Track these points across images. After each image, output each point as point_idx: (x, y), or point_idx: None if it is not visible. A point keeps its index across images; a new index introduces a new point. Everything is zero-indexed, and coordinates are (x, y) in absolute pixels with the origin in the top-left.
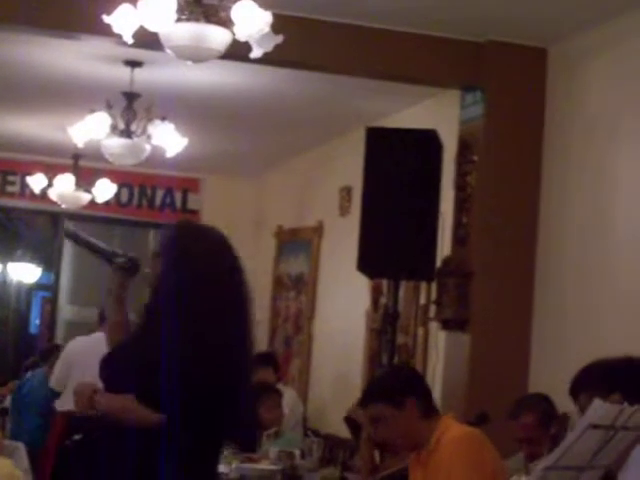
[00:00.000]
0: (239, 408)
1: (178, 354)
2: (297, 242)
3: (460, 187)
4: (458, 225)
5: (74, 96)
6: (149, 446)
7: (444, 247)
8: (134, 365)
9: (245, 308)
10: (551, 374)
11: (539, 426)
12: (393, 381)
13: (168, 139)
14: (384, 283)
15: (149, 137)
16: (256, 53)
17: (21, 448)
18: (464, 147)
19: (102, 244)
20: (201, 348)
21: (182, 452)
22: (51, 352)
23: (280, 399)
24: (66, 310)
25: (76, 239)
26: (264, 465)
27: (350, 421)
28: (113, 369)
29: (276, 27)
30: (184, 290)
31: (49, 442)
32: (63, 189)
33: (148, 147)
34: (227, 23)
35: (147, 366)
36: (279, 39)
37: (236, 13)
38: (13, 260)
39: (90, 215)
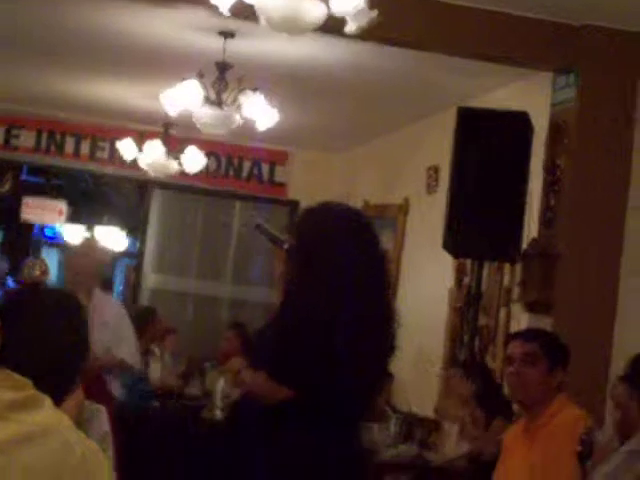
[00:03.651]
0: (379, 384)
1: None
2: (383, 218)
3: (549, 170)
4: (546, 207)
5: (167, 65)
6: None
7: (530, 229)
8: (270, 342)
9: (388, 288)
10: None
11: None
12: (564, 346)
13: (259, 110)
14: (468, 263)
15: (239, 107)
16: (350, 28)
17: (102, 410)
18: (555, 130)
19: (282, 236)
20: (355, 324)
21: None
22: (146, 315)
23: None
24: (151, 278)
25: (262, 231)
26: None
27: None
28: (256, 347)
29: (371, 3)
30: (335, 270)
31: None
32: (153, 157)
33: (239, 118)
34: None
35: (282, 342)
36: (374, 14)
37: None
38: (100, 224)
39: (177, 184)
